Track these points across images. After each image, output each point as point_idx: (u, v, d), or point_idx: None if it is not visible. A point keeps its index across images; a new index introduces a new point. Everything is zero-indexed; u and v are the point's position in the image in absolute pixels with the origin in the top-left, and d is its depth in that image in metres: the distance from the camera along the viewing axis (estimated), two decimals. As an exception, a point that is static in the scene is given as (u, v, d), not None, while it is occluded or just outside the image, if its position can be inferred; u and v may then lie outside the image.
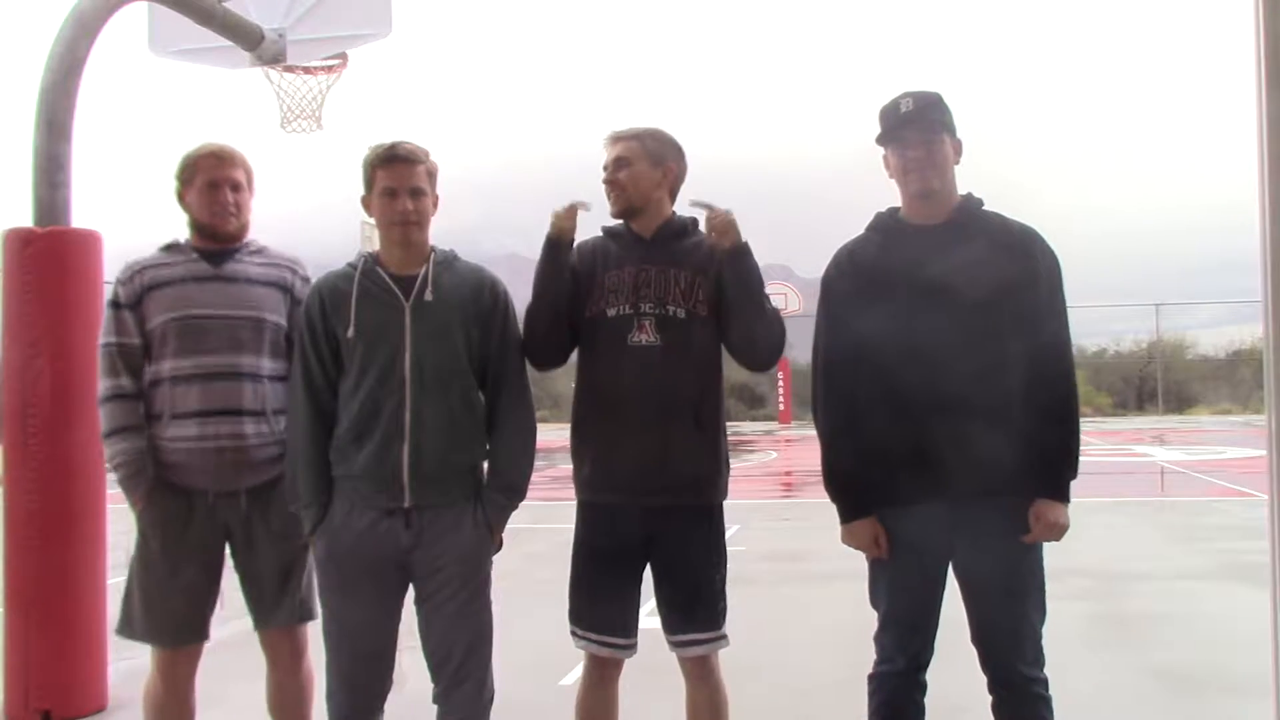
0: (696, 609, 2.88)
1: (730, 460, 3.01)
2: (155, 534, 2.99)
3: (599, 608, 2.90)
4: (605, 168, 2.97)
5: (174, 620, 2.98)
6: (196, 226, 3.11)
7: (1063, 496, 2.66)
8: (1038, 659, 2.70)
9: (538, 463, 2.98)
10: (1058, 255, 2.77)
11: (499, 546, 2.90)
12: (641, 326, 2.85)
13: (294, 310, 3.08)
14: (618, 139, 2.98)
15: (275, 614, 3.08)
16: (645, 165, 2.95)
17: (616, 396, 2.87)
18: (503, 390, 2.88)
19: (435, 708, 2.86)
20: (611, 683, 2.96)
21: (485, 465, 2.91)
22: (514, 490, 2.88)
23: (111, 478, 3.10)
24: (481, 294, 2.87)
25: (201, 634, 3.04)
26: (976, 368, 2.62)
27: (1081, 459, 2.72)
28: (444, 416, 2.77)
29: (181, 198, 3.12)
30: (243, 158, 3.14)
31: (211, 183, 3.06)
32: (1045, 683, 2.70)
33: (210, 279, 3.04)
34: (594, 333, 2.91)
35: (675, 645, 2.91)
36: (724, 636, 2.92)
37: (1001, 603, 2.69)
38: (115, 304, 3.04)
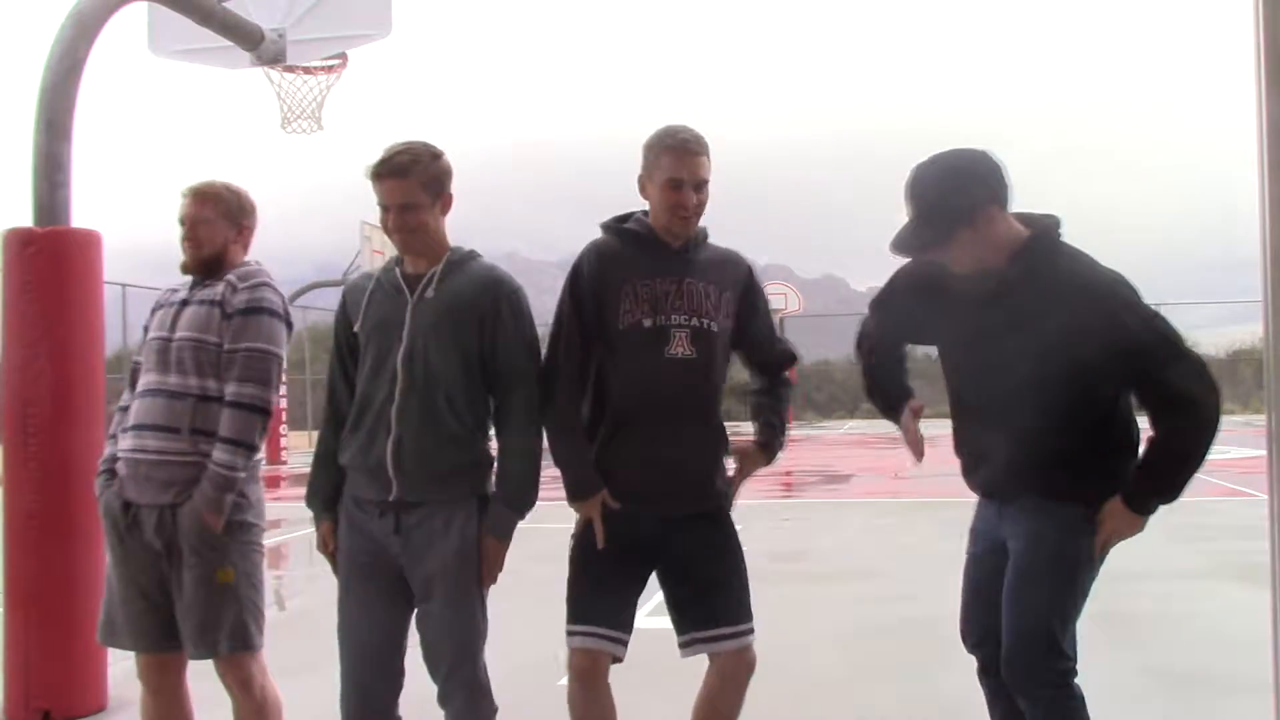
0: (729, 601, 2.83)
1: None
2: (108, 542, 3.08)
3: (599, 602, 2.81)
4: (677, 183, 2.75)
5: (136, 626, 3.01)
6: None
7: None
8: (1056, 650, 2.67)
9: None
10: (1132, 300, 2.52)
11: (493, 571, 2.79)
12: (678, 339, 2.81)
13: (224, 324, 2.98)
14: (698, 151, 2.78)
15: (199, 647, 2.94)
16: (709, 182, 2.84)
17: (652, 408, 2.80)
18: (504, 397, 2.82)
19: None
20: (603, 687, 2.84)
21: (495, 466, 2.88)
22: (512, 502, 2.79)
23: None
24: (484, 296, 2.79)
25: (171, 643, 3.00)
26: (1020, 415, 2.56)
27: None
28: (429, 414, 2.74)
29: None
30: (220, 190, 3.09)
31: (179, 220, 3.10)
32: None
33: (175, 305, 3.08)
34: (626, 343, 2.81)
35: (707, 641, 2.81)
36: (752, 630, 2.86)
37: (1016, 593, 2.68)
38: (145, 328, 3.14)
